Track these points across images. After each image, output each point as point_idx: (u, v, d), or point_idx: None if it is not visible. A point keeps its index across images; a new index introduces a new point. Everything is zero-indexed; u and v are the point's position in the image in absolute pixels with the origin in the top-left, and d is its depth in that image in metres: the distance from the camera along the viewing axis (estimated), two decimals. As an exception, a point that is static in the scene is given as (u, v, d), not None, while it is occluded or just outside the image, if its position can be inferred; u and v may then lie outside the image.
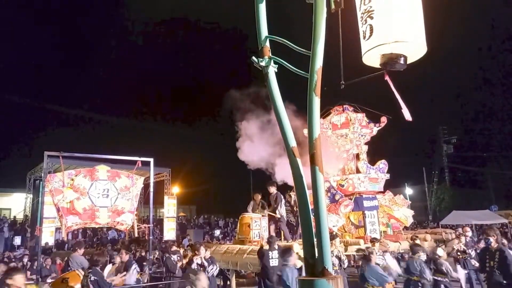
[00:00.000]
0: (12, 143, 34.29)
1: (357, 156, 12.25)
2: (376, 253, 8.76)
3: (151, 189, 9.48)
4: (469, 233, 11.02)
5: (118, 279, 7.27)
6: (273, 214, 10.20)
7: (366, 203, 11.18)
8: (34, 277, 8.97)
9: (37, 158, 18.96)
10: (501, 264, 5.15)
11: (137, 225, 10.42)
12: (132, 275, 7.45)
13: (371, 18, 3.01)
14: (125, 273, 7.46)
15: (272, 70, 3.38)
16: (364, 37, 3.08)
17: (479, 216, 23.53)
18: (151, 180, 9.50)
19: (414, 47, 2.98)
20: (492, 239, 5.43)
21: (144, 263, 10.16)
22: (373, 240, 9.26)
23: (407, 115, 3.30)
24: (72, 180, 8.30)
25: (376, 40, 2.99)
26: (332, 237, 8.93)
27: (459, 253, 9.85)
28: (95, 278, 5.93)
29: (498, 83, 48.37)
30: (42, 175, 9.03)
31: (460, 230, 12.15)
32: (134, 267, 7.61)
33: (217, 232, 24.04)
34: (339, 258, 8.32)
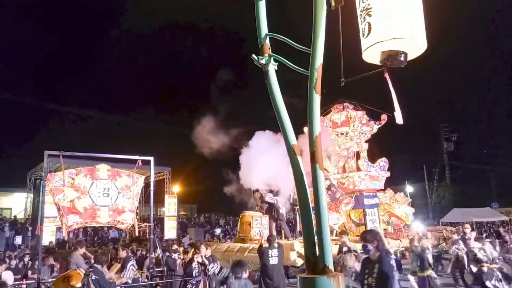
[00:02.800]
0: (13, 143, 34.31)
1: (358, 154, 12.26)
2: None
3: (152, 188, 9.47)
4: (468, 230, 10.96)
5: (114, 276, 7.27)
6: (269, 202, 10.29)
7: (366, 201, 11.20)
8: (35, 276, 8.98)
9: (38, 157, 18.99)
10: (378, 279, 3.88)
11: (138, 224, 10.42)
12: (128, 271, 7.44)
13: (369, 15, 3.03)
14: (119, 266, 7.46)
15: (272, 68, 3.38)
16: (363, 35, 3.09)
17: (479, 213, 23.53)
18: (152, 179, 9.50)
19: (413, 43, 2.98)
20: (370, 246, 4.00)
21: (145, 262, 10.17)
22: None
23: (398, 118, 3.31)
24: (73, 179, 8.29)
25: (374, 38, 3.00)
26: (343, 233, 8.92)
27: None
28: (96, 277, 5.92)
29: (499, 80, 48.35)
30: (43, 174, 9.04)
31: (448, 229, 12.26)
32: (131, 263, 7.60)
33: (218, 231, 24.05)
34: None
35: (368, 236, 4.10)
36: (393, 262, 3.95)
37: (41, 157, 8.53)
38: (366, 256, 4.20)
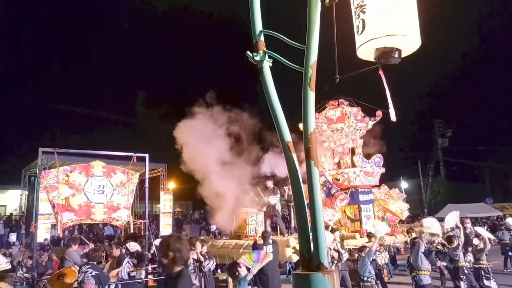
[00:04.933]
0: (7, 140, 34.03)
1: (353, 150, 12.29)
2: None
3: (147, 184, 9.45)
4: (469, 225, 11.12)
5: (113, 274, 7.27)
6: (265, 201, 10.31)
7: (361, 197, 11.24)
8: (29, 274, 8.95)
9: (32, 154, 18.88)
10: None
11: (133, 221, 10.43)
12: (125, 268, 7.44)
13: (364, 12, 3.02)
14: (119, 268, 7.45)
15: (266, 65, 3.37)
16: (358, 32, 3.08)
17: (474, 209, 23.73)
18: (147, 176, 9.47)
19: (407, 40, 2.98)
20: (165, 261, 2.87)
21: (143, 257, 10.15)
22: (369, 235, 9.30)
23: (392, 115, 3.32)
24: (67, 176, 8.26)
25: (369, 35, 2.99)
26: (332, 230, 8.98)
27: (438, 246, 10.01)
28: (96, 272, 5.96)
29: (493, 76, 48.61)
30: (37, 171, 8.98)
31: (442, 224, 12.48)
32: (127, 260, 7.60)
33: (214, 227, 24.05)
34: (338, 252, 8.37)
35: (162, 246, 2.93)
36: (195, 281, 3.05)
37: (36, 154, 8.49)
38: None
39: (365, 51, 3.10)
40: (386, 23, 2.91)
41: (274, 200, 10.31)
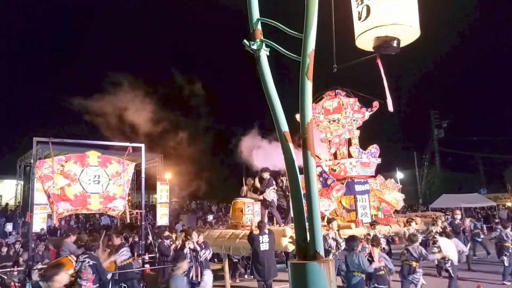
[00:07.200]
0: (2, 129, 33.77)
1: (349, 141, 12.30)
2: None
3: (143, 175, 9.44)
4: (458, 216, 11.42)
5: (107, 263, 7.28)
6: (257, 196, 10.26)
7: (357, 187, 11.27)
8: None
9: (27, 144, 18.76)
10: None
11: (129, 211, 10.43)
12: (120, 255, 7.46)
13: (369, -2, 2.92)
14: (107, 252, 7.48)
15: (264, 54, 3.33)
16: (360, 18, 2.99)
17: (468, 199, 23.92)
18: (143, 166, 9.46)
19: (409, 30, 2.93)
20: None
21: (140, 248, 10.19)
22: (373, 224, 9.41)
23: (389, 106, 3.31)
24: (62, 166, 8.22)
25: (373, 22, 2.90)
26: (329, 220, 9.03)
27: (435, 237, 10.14)
28: (94, 262, 5.97)
29: (489, 66, 48.63)
30: (32, 161, 8.94)
31: (437, 214, 12.75)
32: (124, 249, 7.62)
33: (210, 217, 24.14)
34: (336, 241, 8.42)
35: None
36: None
37: (31, 144, 8.44)
38: None
39: (365, 39, 3.04)
40: (392, 11, 2.83)
41: (270, 193, 10.23)
